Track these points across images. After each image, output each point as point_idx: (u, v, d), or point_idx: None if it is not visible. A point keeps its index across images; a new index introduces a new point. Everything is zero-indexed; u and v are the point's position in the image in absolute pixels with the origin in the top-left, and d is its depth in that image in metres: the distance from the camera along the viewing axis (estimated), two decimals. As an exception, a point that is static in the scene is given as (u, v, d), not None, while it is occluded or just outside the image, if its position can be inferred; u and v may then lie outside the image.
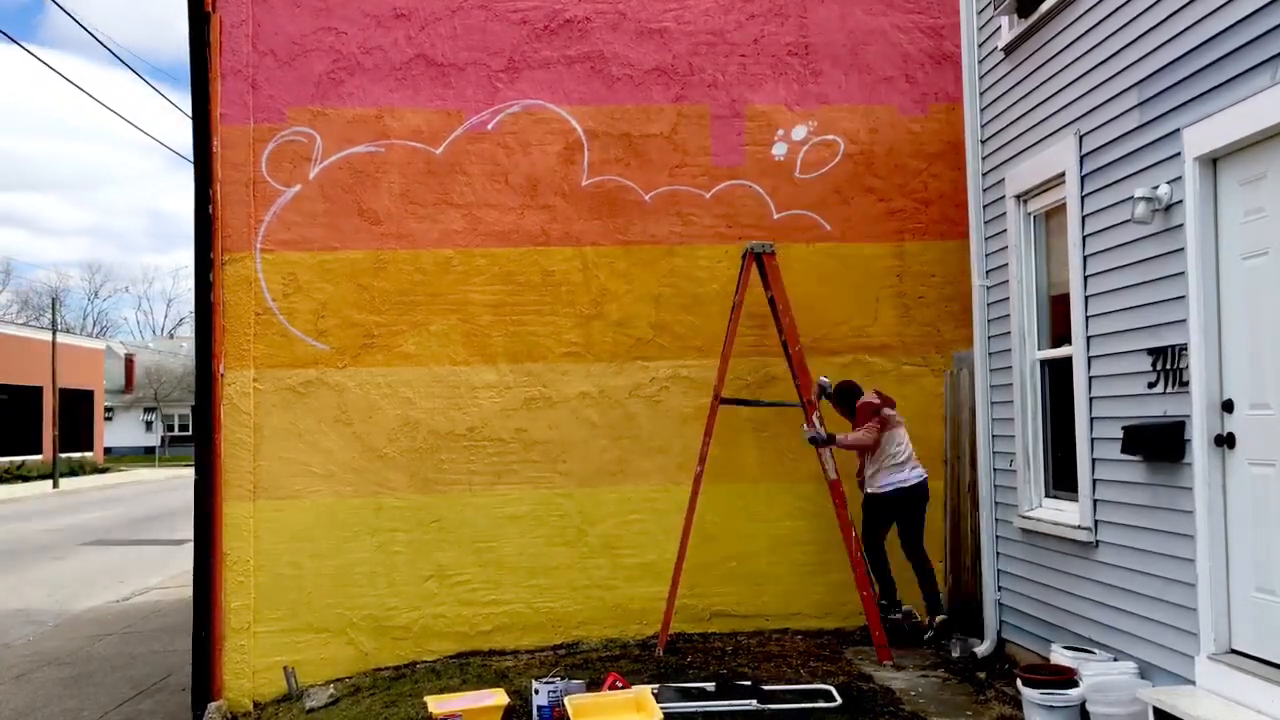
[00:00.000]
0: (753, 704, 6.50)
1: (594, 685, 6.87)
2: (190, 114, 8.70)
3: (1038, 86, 7.08)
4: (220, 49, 8.60)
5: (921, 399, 8.92)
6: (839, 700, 6.56)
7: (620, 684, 6.76)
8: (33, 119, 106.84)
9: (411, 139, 8.81)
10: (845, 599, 8.71)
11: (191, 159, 8.64)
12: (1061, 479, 7.09)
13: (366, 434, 8.62)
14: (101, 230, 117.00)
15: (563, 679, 6.85)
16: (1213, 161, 5.33)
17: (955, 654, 7.77)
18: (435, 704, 6.60)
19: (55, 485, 37.45)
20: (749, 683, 6.93)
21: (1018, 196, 7.40)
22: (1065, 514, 6.85)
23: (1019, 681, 6.00)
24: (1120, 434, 5.94)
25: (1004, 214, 7.59)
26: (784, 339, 8.30)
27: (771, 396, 8.77)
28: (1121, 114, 6.05)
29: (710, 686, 6.88)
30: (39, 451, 44.90)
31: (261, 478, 8.47)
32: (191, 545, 8.55)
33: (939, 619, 8.11)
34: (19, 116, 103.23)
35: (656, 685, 6.85)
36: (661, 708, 6.19)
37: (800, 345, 8.28)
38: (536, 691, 6.65)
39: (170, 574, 15.84)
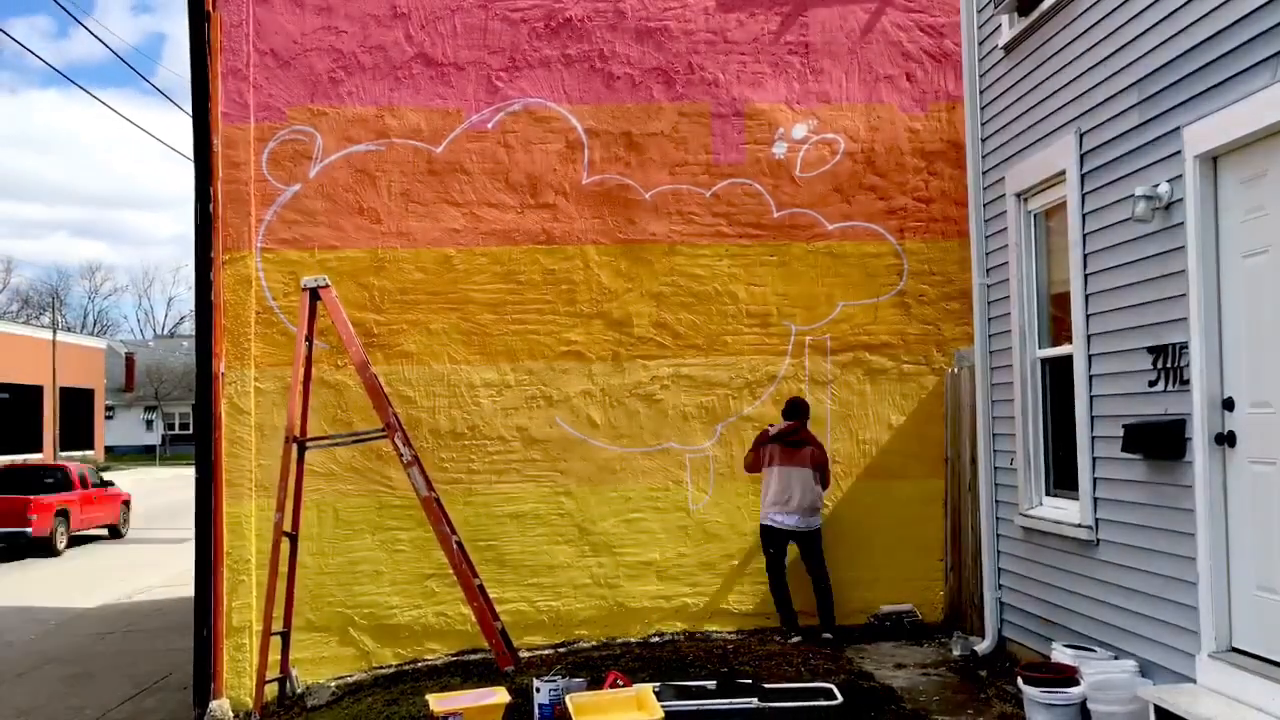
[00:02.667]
0: (754, 702, 6.50)
1: (595, 683, 6.87)
2: (191, 113, 8.70)
3: (1038, 85, 7.07)
4: (220, 48, 8.60)
5: (922, 397, 8.93)
6: (840, 699, 6.56)
7: (621, 682, 6.76)
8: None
9: (412, 138, 8.81)
10: (846, 598, 8.71)
11: (192, 158, 8.64)
12: (1062, 478, 7.09)
13: (367, 433, 8.63)
14: (184, 240, 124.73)
15: (564, 677, 6.85)
16: (1213, 160, 5.33)
17: (956, 652, 7.77)
18: (436, 702, 6.60)
19: (56, 484, 37.36)
20: (750, 681, 6.93)
21: (1018, 195, 7.40)
22: (1066, 512, 6.84)
23: (1020, 680, 6.00)
24: (1121, 432, 5.93)
25: (1004, 212, 7.59)
26: (356, 367, 8.23)
27: (775, 394, 8.80)
28: (1122, 112, 6.04)
29: (711, 685, 6.88)
30: (39, 450, 44.91)
31: (263, 476, 8.47)
32: (193, 544, 8.55)
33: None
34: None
35: (657, 683, 6.85)
36: (662, 706, 6.19)
37: (372, 372, 8.18)
38: (538, 690, 6.65)
39: (172, 573, 15.84)
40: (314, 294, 8.24)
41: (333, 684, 8.18)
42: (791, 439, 8.31)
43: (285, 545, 8.08)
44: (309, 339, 8.26)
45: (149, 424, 66.64)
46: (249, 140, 8.65)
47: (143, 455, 61.15)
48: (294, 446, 8.09)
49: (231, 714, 8.16)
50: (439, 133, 8.82)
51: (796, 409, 8.49)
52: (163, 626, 12.08)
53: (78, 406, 48.44)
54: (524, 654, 8.39)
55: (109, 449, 55.73)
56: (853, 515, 8.77)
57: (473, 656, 8.41)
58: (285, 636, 8.13)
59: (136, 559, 17.88)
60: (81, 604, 13.82)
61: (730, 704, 6.51)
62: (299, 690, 8.12)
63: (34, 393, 44.49)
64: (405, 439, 8.12)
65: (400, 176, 8.78)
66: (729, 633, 8.63)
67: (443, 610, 8.57)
